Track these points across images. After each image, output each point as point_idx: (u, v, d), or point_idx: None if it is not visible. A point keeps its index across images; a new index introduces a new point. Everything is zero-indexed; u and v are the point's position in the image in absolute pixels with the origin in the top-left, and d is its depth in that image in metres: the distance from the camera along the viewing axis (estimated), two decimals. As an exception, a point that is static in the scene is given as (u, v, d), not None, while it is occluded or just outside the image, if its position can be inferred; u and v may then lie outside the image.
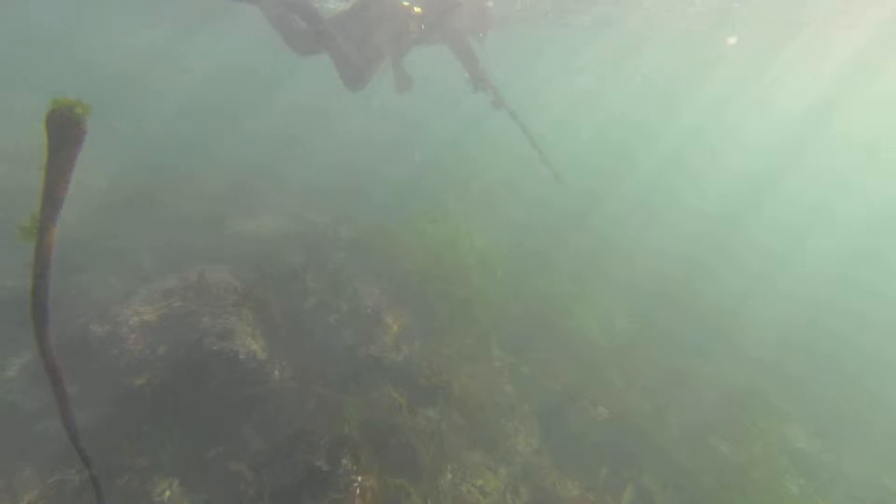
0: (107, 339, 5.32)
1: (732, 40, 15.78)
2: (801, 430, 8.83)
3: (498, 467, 6.55)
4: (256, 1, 7.48)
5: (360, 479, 5.08)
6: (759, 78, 23.08)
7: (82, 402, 5.38)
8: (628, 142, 34.32)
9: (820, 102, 26.22)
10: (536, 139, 8.95)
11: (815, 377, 10.31)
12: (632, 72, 26.96)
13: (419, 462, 5.91)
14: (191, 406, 5.42)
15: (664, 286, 11.59)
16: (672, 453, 7.19)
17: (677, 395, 8.70)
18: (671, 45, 18.57)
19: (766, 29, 15.00)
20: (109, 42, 25.96)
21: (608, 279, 11.19)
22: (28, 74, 13.86)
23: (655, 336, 9.88)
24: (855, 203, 34.57)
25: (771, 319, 12.23)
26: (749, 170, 34.98)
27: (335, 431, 5.32)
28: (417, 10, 7.95)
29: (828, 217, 29.29)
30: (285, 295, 7.15)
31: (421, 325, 7.83)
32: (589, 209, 15.64)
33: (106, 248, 8.29)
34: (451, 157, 17.99)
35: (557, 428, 7.48)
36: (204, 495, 5.15)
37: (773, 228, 22.01)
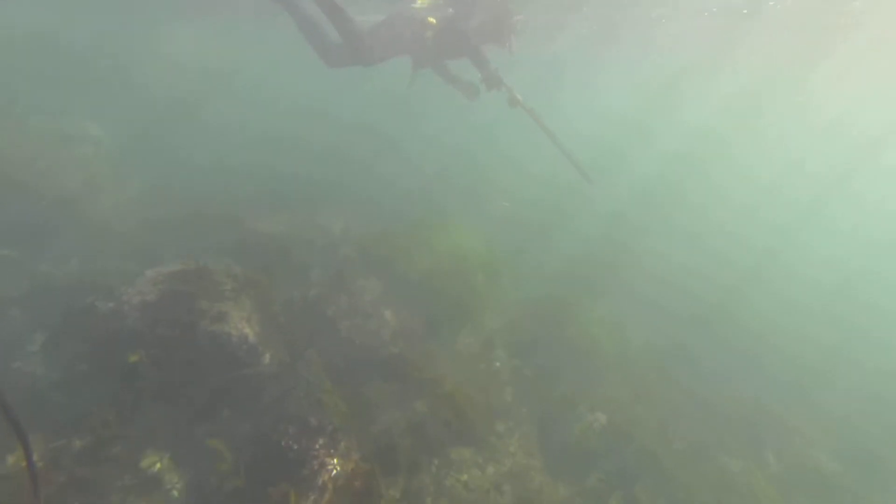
0: (110, 316, 5.66)
1: None
2: (819, 451, 8.34)
3: (486, 465, 6.50)
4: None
5: (334, 461, 5.18)
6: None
7: (86, 375, 5.74)
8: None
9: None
10: (559, 138, 8.97)
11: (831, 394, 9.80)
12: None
13: (401, 453, 5.96)
14: (184, 383, 5.68)
15: (684, 302, 11.27)
16: (671, 467, 6.94)
17: (687, 411, 8.42)
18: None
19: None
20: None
21: (625, 290, 10.99)
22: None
23: (671, 351, 9.62)
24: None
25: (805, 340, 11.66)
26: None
27: (317, 417, 5.45)
28: (432, 20, 8.55)
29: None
30: (288, 287, 7.40)
31: (422, 324, 7.91)
32: (617, 221, 15.41)
33: (140, 241, 8.85)
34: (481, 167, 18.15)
35: (554, 432, 7.36)
36: (191, 470, 5.36)
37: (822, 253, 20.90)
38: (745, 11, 12.83)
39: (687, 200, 21.91)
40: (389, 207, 11.14)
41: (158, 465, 5.44)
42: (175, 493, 5.16)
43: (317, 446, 5.18)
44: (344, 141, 16.93)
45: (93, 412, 5.58)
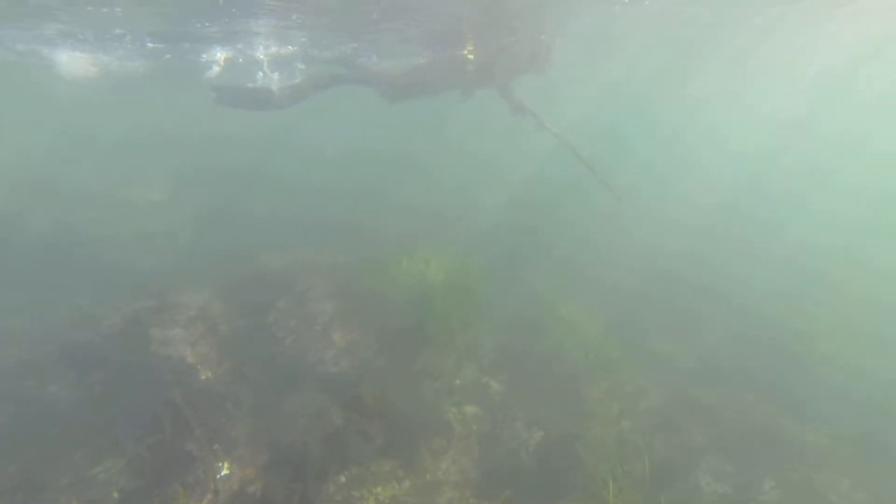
0: (86, 342, 7.02)
1: None
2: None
3: (405, 479, 6.72)
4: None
5: (225, 465, 5.86)
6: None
7: (64, 387, 7.11)
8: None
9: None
10: (586, 157, 9.38)
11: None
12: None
13: (311, 462, 6.45)
14: (137, 398, 6.79)
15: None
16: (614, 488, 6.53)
17: (664, 420, 7.80)
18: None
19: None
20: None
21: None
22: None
23: (646, 358, 9.02)
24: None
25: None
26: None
27: (221, 426, 6.20)
28: (471, 56, 10.18)
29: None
30: (253, 312, 8.36)
31: (377, 344, 8.35)
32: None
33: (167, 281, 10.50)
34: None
35: (494, 448, 7.30)
36: (120, 467, 6.36)
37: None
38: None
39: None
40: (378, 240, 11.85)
41: (114, 470, 6.59)
42: (106, 485, 6.19)
43: (211, 452, 5.91)
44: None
45: (66, 421, 6.91)
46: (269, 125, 22.33)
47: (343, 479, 6.47)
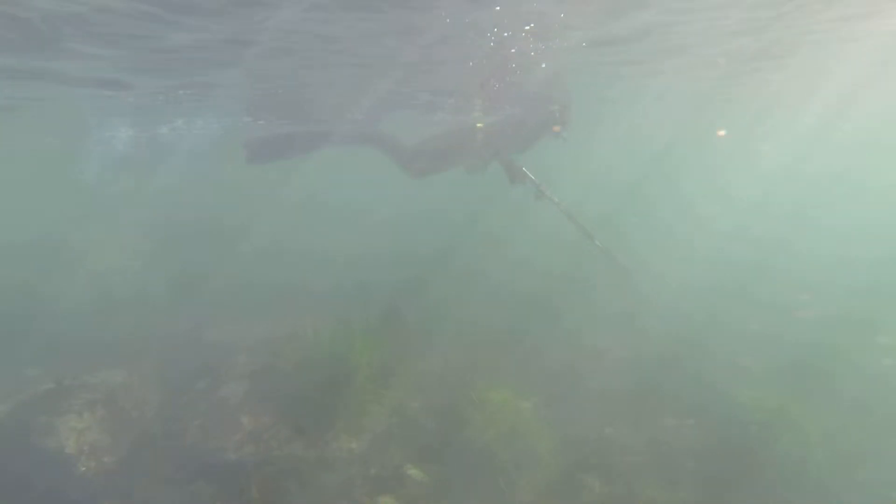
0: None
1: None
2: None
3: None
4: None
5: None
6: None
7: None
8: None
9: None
10: (588, 227, 9.01)
11: None
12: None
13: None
14: (13, 490, 6.46)
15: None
16: None
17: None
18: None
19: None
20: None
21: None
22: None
23: (594, 445, 8.18)
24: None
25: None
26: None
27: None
28: (479, 125, 9.96)
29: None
30: (167, 394, 8.06)
31: (290, 427, 7.87)
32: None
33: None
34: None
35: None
36: None
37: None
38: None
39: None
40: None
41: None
42: None
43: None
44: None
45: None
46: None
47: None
